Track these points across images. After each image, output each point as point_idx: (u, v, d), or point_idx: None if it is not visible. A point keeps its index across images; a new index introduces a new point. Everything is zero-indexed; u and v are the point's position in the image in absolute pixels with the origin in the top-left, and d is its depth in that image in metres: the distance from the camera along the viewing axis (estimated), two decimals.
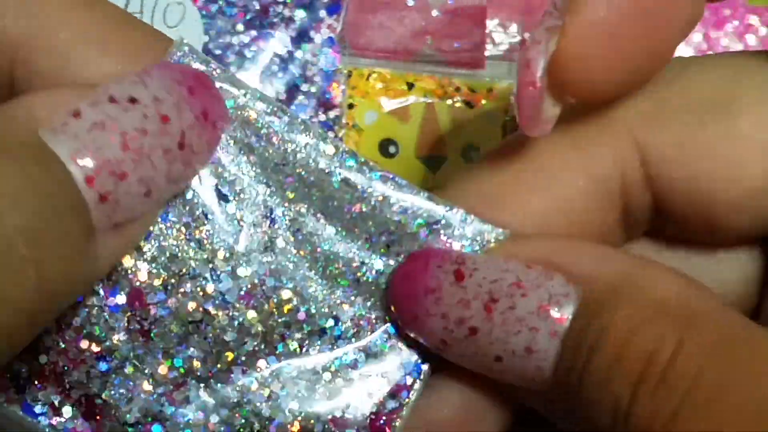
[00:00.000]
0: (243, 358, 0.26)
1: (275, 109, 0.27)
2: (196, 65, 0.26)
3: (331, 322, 0.27)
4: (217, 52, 0.42)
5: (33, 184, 0.20)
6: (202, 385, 0.26)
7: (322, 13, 0.43)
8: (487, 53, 0.43)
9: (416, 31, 0.43)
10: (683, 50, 0.45)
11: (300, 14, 0.43)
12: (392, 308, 0.26)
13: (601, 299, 0.23)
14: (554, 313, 0.23)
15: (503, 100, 0.44)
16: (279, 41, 0.43)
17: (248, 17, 0.43)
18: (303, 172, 0.27)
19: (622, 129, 0.27)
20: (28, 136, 0.21)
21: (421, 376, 0.27)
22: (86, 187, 0.22)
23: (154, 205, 0.24)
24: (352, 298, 0.27)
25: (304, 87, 0.42)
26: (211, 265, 0.26)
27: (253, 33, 0.42)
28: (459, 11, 0.43)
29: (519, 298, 0.23)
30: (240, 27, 0.43)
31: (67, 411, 0.26)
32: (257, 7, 0.43)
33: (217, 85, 0.26)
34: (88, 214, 0.22)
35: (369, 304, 0.27)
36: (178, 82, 0.24)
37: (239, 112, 0.26)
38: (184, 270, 0.26)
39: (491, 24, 0.43)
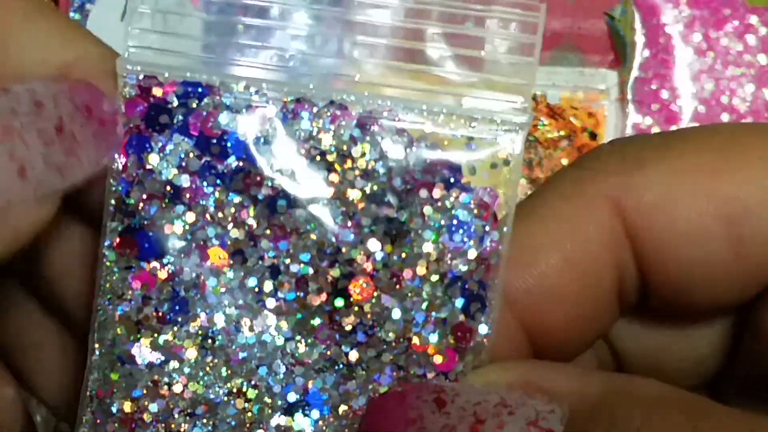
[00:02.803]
0: None
1: None
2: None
3: None
4: None
5: None
6: None
7: None
8: None
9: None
10: (683, 49, 0.45)
11: None
12: None
13: (590, 409, 0.23)
14: (544, 427, 0.23)
15: None
16: None
17: None
18: None
19: (601, 197, 0.26)
20: None
21: None
22: None
23: (31, 191, 0.23)
24: None
25: None
26: None
27: None
28: None
29: (507, 416, 0.23)
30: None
31: None
32: None
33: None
34: None
35: None
36: (57, 81, 0.24)
37: None
38: None
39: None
